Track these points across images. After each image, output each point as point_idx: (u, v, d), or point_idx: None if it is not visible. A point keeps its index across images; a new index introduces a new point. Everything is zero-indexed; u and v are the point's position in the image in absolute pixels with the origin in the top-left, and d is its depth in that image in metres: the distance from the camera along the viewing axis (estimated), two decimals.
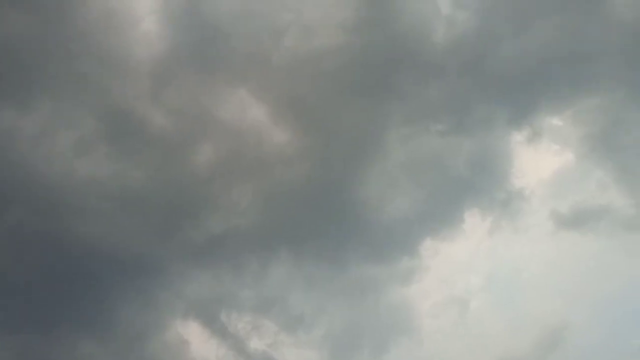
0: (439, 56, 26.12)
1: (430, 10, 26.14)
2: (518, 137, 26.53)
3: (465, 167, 26.33)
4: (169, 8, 24.27)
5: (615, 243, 24.59)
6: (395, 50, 26.05)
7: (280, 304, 23.52)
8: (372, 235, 25.57)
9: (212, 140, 24.28)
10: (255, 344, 22.99)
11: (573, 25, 26.37)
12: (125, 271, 21.90)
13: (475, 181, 26.45)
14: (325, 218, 25.39)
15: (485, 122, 26.77)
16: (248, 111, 24.62)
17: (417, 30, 26.15)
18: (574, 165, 26.70)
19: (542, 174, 27.29)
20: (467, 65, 26.51)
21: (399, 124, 25.92)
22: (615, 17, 25.23)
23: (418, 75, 26.34)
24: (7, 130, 22.22)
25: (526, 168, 26.88)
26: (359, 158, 26.07)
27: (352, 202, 25.51)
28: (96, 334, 20.90)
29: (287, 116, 25.13)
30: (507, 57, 26.72)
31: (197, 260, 22.87)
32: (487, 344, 24.07)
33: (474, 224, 26.43)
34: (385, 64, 26.16)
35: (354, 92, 25.94)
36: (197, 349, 22.06)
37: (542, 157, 27.13)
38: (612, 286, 24.53)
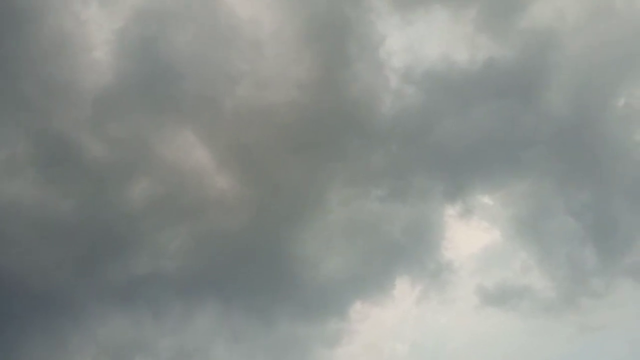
0: (385, 125, 27.04)
1: (381, 82, 27.27)
2: (451, 211, 27.43)
3: (400, 234, 26.78)
4: (125, 40, 23.95)
5: (536, 323, 25.34)
6: (345, 114, 26.76)
7: (201, 355, 22.31)
8: (304, 293, 25.16)
9: (150, 177, 23.52)
10: None
11: (510, 113, 28.14)
12: (36, 307, 20.22)
13: (409, 248, 26.88)
14: (259, 271, 24.83)
15: (423, 193, 27.54)
16: (192, 153, 24.20)
17: (366, 98, 27.10)
18: (500, 244, 27.76)
19: (471, 249, 28.17)
20: (411, 136, 27.54)
21: (341, 185, 26.25)
22: (549, 111, 27.20)
23: (363, 140, 27.04)
24: None
25: (457, 241, 27.70)
26: (299, 214, 26.01)
27: (288, 257, 25.18)
28: None
29: (231, 163, 24.89)
30: (448, 134, 27.98)
31: (116, 301, 21.49)
32: None
33: (404, 291, 26.65)
34: (334, 126, 26.74)
35: (301, 148, 26.19)
36: None
37: (472, 233, 28.07)
38: None
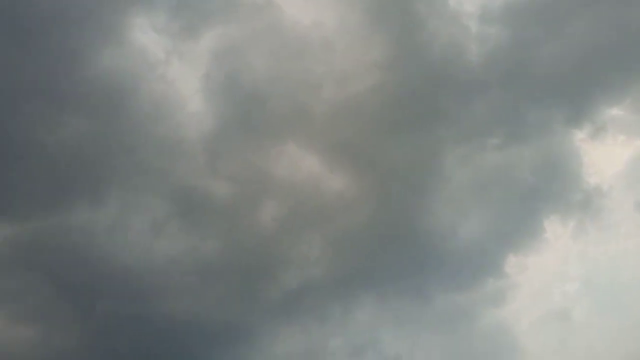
0: (478, 73, 26.15)
1: (460, 31, 26.48)
2: (580, 135, 25.75)
3: (533, 176, 25.58)
4: (210, 83, 25.71)
5: None
6: (433, 77, 26.30)
7: (373, 347, 22.94)
8: (451, 263, 24.92)
9: (273, 198, 24.82)
10: None
11: (607, 18, 25.99)
12: (216, 340, 22.14)
13: (546, 187, 25.60)
14: (400, 255, 25.03)
15: (541, 127, 26.19)
16: (301, 164, 25.14)
17: (450, 53, 26.44)
18: None
19: (615, 167, 26.16)
20: (508, 75, 26.35)
21: (453, 147, 25.76)
22: None
23: (460, 95, 26.35)
24: (82, 226, 23.60)
25: (597, 163, 25.88)
26: (420, 189, 25.88)
27: (425, 233, 25.12)
28: None
29: (339, 162, 25.48)
30: (547, 59, 26.40)
31: (281, 317, 22.88)
32: (599, 355, 22.34)
33: (556, 232, 25.38)
34: (426, 92, 26.39)
35: (400, 125, 26.14)
36: None
37: (611, 150, 26.09)
38: None
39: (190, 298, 22.85)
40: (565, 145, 26.20)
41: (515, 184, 25.56)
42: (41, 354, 23.09)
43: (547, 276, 25.14)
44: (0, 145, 24.66)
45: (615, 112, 25.93)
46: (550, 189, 25.59)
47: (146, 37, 25.34)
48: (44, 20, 24.64)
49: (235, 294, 22.96)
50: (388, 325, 23.29)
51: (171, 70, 25.37)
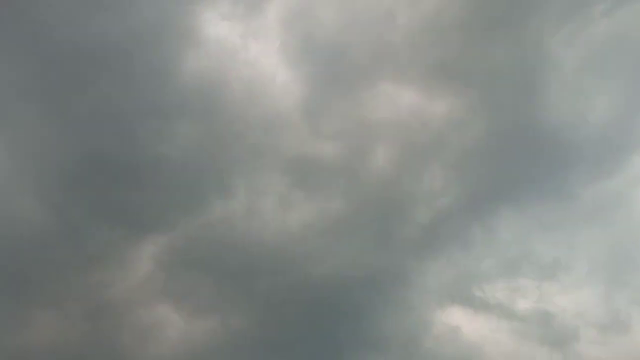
0: None
1: None
2: None
3: None
4: (290, 53, 26.08)
5: None
6: None
7: (526, 259, 22.38)
8: (587, 151, 23.22)
9: (381, 142, 24.78)
10: (522, 304, 22.13)
11: None
12: (370, 289, 23.12)
13: None
14: (529, 159, 23.89)
15: None
16: (399, 100, 24.74)
17: None
18: None
19: None
20: None
21: (554, 28, 23.54)
22: None
23: None
24: (222, 218, 25.63)
25: None
26: (530, 86, 24.20)
27: (549, 130, 23.66)
28: (376, 348, 22.28)
29: (436, 85, 24.64)
30: None
31: (424, 253, 23.18)
32: None
33: None
34: None
35: (489, 27, 24.42)
36: (468, 331, 22.01)
37: None
38: None
39: (333, 257, 23.88)
40: None
41: (635, 48, 22.84)
42: (222, 339, 25.74)
43: None
44: (132, 165, 27.27)
45: None
46: None
47: (218, 28, 26.13)
48: (130, 44, 26.34)
49: (373, 242, 23.56)
50: (536, 233, 22.47)
51: (250, 51, 26.02)
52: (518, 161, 24.28)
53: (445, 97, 24.63)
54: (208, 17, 26.71)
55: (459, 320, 22.46)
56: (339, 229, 24.26)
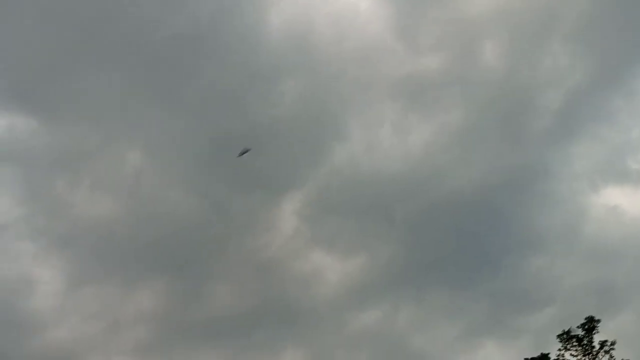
0: None
1: None
2: None
3: None
4: None
5: None
6: None
7: None
8: None
9: (495, 36, 23.32)
10: None
11: None
12: (516, 186, 22.73)
13: None
14: None
15: None
16: None
17: None
18: None
19: None
20: None
21: None
22: None
23: None
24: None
25: None
26: None
27: None
28: (532, 247, 22.06)
29: None
30: None
31: (565, 137, 21.92)
32: None
33: None
34: None
35: None
36: (629, 208, 20.81)
37: None
38: None
39: (465, 169, 23.61)
40: None
41: None
42: (376, 271, 26.89)
43: None
44: (251, 134, 28.87)
45: None
46: None
47: None
48: (217, 23, 27.23)
49: (504, 143, 22.85)
50: None
51: None
52: None
53: None
54: None
55: (617, 199, 21.29)
56: (464, 140, 23.79)
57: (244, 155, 25.77)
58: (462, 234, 25.43)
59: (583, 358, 24.19)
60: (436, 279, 29.50)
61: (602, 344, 24.76)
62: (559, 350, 25.28)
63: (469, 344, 29.36)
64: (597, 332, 24.62)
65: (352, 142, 29.80)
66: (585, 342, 24.50)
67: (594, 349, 24.67)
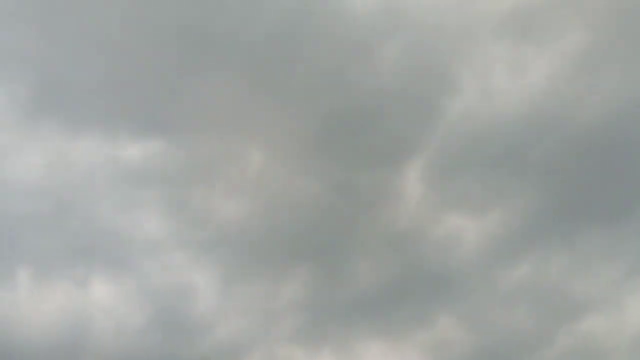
0: None
1: None
2: None
3: None
4: None
5: None
6: None
7: None
8: None
9: None
10: None
11: None
12: None
13: None
14: None
15: None
16: None
17: None
18: None
19: None
20: None
21: None
22: None
23: None
24: None
25: None
26: None
27: None
28: None
29: None
30: None
31: None
32: None
33: None
34: None
35: None
36: None
37: None
38: None
39: (596, 97, 21.38)
40: None
41: None
42: (517, 228, 25.53)
43: None
44: (351, 108, 28.80)
45: None
46: None
47: None
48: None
49: None
50: None
51: None
52: None
53: None
54: None
55: None
56: (589, 65, 21.45)
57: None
58: (605, 167, 23.09)
59: None
60: (585, 220, 27.19)
61: None
62: None
63: (635, 283, 26.88)
64: None
65: (465, 93, 28.45)
66: None
67: None
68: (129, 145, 36.80)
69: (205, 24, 30.12)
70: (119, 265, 34.09)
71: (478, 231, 31.35)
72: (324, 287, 32.40)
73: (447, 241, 31.94)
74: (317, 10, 28.62)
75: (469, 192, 31.82)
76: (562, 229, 25.58)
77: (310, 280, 32.90)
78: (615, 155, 22.41)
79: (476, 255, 30.81)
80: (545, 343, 29.15)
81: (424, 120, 29.03)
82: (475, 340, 30.61)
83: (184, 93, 32.77)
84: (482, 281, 32.02)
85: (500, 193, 29.98)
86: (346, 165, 31.16)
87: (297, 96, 30.96)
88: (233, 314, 31.66)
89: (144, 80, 32.07)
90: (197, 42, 30.82)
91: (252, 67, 31.70)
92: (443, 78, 29.26)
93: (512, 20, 24.88)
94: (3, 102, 31.50)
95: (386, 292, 29.48)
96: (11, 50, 31.58)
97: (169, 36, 30.82)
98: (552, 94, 24.98)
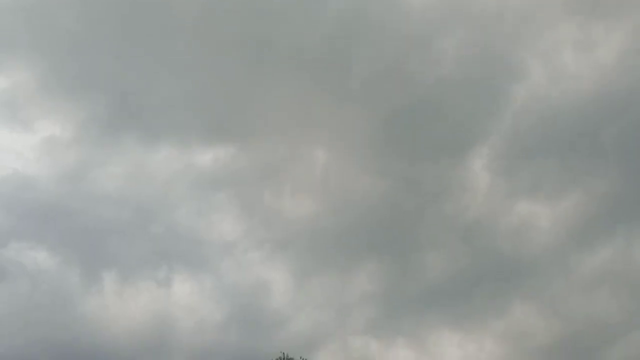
0: None
1: None
2: None
3: None
4: None
5: None
6: None
7: None
8: None
9: None
10: None
11: None
12: None
13: None
14: None
15: None
16: None
17: None
18: None
19: None
20: None
21: None
22: None
23: None
24: None
25: None
26: None
27: None
28: None
29: None
30: None
31: None
32: None
33: None
34: None
35: None
36: None
37: None
38: None
39: None
40: None
41: None
42: (592, 210, 24.24)
43: None
44: (415, 105, 28.54)
45: None
46: None
47: None
48: None
49: None
50: None
51: None
52: None
53: None
54: None
55: None
56: None
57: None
58: None
59: None
60: None
61: None
62: None
63: None
64: None
65: (531, 77, 27.64)
66: None
67: None
68: (202, 153, 38.70)
69: (267, 34, 31.19)
70: (197, 265, 35.62)
71: (553, 217, 30.12)
72: (396, 279, 32.27)
73: (519, 230, 30.88)
74: (372, 7, 28.88)
75: (540, 179, 30.73)
76: None
77: (381, 273, 32.87)
78: None
79: (552, 242, 29.52)
80: (631, 329, 27.33)
81: (488, 107, 28.49)
82: (556, 329, 29.15)
83: (249, 100, 34.05)
84: (559, 268, 30.53)
85: (575, 177, 28.79)
86: (411, 158, 31.08)
87: (358, 94, 31.33)
88: (307, 308, 32.21)
89: (211, 90, 33.69)
90: (260, 52, 31.98)
91: (313, 70, 32.44)
92: (507, 64, 28.59)
93: None
94: (86, 120, 34.02)
95: (458, 282, 28.91)
96: (92, 72, 34.12)
97: (233, 48, 32.22)
98: (625, 70, 23.90)
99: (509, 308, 27.85)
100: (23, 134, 35.93)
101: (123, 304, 33.52)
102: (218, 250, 35.42)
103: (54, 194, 34.55)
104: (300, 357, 16.10)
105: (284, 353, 15.99)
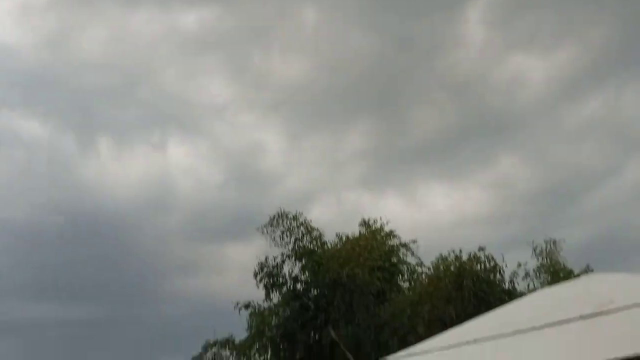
0: None
1: None
2: None
3: None
4: None
5: None
6: None
7: None
8: None
9: None
10: None
11: None
12: None
13: None
14: None
15: None
16: None
17: None
18: None
19: None
20: None
21: None
22: None
23: None
24: None
25: None
26: None
27: None
28: None
29: None
30: None
31: None
32: None
33: None
34: None
35: None
36: None
37: None
38: None
39: None
40: None
41: None
42: (586, 61, 23.97)
43: None
44: None
45: None
46: None
47: None
48: None
49: None
50: None
51: None
52: None
53: None
54: None
55: None
56: None
57: None
58: None
59: None
60: None
61: None
62: None
63: None
64: None
65: None
66: None
67: None
68: (185, 13, 36.87)
69: None
70: (191, 128, 35.89)
71: (545, 71, 29.92)
72: (387, 136, 32.84)
73: (511, 84, 30.78)
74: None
75: (536, 31, 29.98)
76: (638, 60, 24.23)
77: (372, 131, 33.37)
78: None
79: (541, 95, 29.60)
80: (612, 175, 28.59)
81: None
82: (539, 178, 30.40)
83: None
84: (545, 120, 31.00)
85: (573, 28, 28.12)
86: (402, 15, 29.96)
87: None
88: (301, 166, 33.20)
89: None
90: None
91: None
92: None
93: None
94: None
95: (447, 137, 29.53)
96: None
97: None
98: None
99: (496, 159, 28.89)
100: None
101: (121, 168, 34.22)
102: (210, 113, 35.53)
103: (37, 61, 33.57)
104: (296, 211, 16.69)
105: (281, 209, 16.60)
